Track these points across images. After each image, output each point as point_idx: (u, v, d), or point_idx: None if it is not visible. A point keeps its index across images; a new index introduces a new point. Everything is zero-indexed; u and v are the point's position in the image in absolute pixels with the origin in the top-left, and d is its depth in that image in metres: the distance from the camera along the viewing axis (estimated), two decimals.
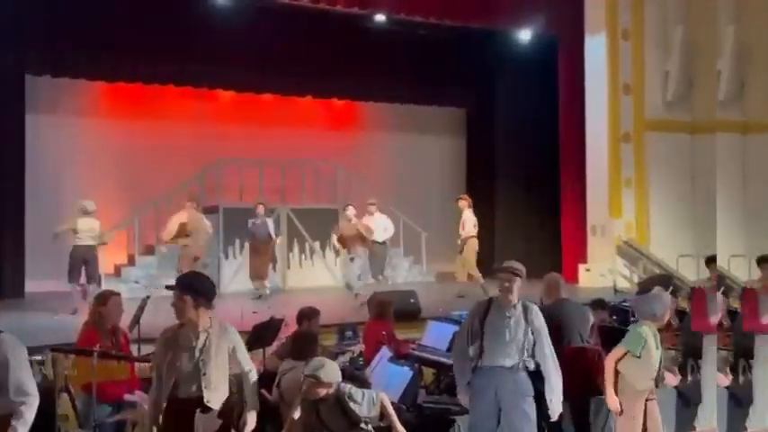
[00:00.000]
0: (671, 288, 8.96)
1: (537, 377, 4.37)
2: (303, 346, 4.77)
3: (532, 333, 4.39)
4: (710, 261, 8.90)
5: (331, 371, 3.96)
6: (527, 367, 4.35)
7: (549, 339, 4.47)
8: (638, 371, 4.49)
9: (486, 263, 13.99)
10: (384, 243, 10.75)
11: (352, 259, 10.29)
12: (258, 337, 5.94)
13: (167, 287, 3.96)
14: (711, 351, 6.00)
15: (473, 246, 11.09)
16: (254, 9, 12.14)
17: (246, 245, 11.76)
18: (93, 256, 9.31)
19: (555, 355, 4.47)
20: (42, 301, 10.64)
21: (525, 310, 4.44)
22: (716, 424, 4.70)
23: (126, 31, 11.54)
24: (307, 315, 6.01)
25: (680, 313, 6.81)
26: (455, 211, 16.32)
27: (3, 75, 11.18)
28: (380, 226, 10.64)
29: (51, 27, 11.16)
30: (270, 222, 11.18)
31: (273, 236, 11.15)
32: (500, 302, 4.49)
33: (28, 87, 11.68)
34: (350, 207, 10.43)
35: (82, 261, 9.22)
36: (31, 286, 11.43)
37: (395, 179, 14.82)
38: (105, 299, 4.98)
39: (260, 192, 12.94)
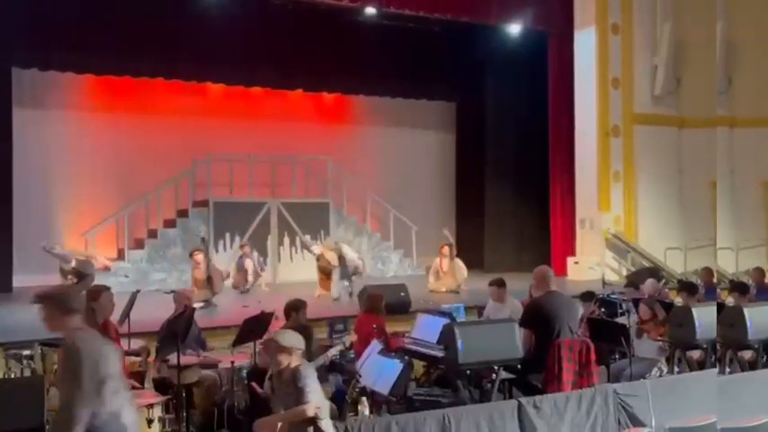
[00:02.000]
0: (663, 280, 9.09)
1: None
2: None
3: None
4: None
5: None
6: None
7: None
8: None
9: (476, 257, 14.12)
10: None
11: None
12: (248, 331, 5.95)
13: None
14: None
15: None
16: (244, 2, 12.08)
17: (237, 240, 12.15)
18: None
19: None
20: (30, 295, 10.58)
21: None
22: (714, 416, 4.73)
23: (114, 24, 11.45)
24: (294, 307, 6.04)
25: (667, 305, 6.87)
26: (445, 205, 16.38)
27: None
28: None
29: (38, 19, 11.04)
30: (255, 257, 11.45)
31: (258, 271, 11.40)
32: None
33: (14, 81, 11.57)
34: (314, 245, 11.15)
35: None
36: (18, 281, 11.36)
37: (385, 173, 14.83)
38: (97, 294, 4.97)
39: (250, 186, 12.93)
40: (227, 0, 11.68)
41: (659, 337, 6.42)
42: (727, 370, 6.41)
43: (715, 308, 6.42)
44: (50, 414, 4.89)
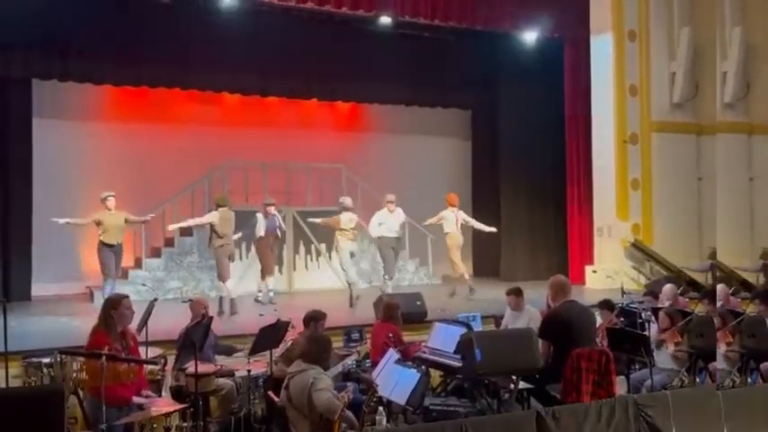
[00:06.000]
0: (681, 288, 8.96)
1: None
2: (316, 350, 4.76)
3: None
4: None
5: None
6: None
7: None
8: None
9: (493, 264, 14.05)
10: (398, 238, 11.16)
11: (352, 254, 10.67)
12: (265, 339, 5.95)
13: None
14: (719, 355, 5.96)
15: None
16: (260, 12, 12.15)
17: (252, 248, 11.86)
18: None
19: None
20: (48, 304, 10.70)
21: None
22: (733, 427, 4.65)
23: (132, 35, 11.55)
24: (314, 318, 6.05)
25: (685, 314, 6.76)
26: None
27: (10, 79, 11.26)
28: (398, 221, 11.05)
29: (57, 31, 11.17)
30: (279, 218, 11.23)
31: (280, 232, 11.17)
32: None
33: (35, 91, 11.73)
34: (347, 198, 10.92)
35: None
36: (37, 290, 11.47)
37: (400, 181, 14.79)
38: (116, 302, 4.99)
39: (265, 194, 12.95)
40: (242, 11, 11.77)
41: (676, 347, 6.33)
42: (749, 381, 6.30)
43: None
44: (70, 422, 4.93)
